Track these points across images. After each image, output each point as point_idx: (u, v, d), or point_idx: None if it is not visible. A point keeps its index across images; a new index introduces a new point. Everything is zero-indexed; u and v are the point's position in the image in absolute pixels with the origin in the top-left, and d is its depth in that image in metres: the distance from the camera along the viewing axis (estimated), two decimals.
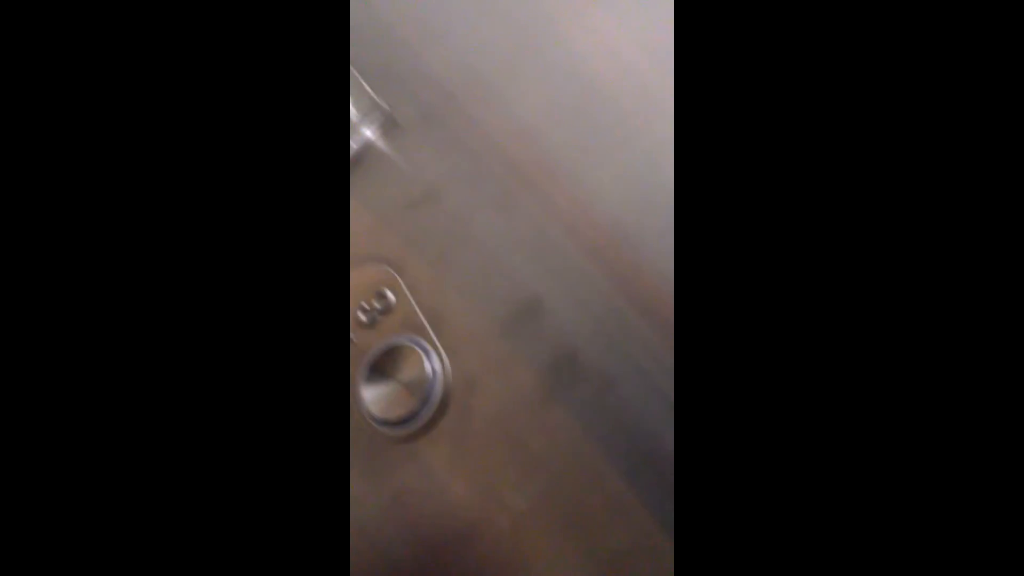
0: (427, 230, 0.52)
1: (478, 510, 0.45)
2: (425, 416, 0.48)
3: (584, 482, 0.45)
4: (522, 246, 0.50)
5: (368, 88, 0.55)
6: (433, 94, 0.55)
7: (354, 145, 0.55)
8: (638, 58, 0.53)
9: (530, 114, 0.53)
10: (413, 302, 0.51)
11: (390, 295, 0.51)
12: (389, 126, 0.55)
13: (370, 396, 0.49)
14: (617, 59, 0.53)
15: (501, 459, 0.46)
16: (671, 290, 0.47)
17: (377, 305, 0.51)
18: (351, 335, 0.51)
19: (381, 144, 0.55)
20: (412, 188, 0.53)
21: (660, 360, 0.46)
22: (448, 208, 0.52)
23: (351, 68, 0.55)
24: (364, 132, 0.55)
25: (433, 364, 0.49)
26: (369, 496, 0.47)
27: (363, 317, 0.51)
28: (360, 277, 0.52)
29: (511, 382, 0.48)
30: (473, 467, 0.46)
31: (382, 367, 0.50)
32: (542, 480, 0.45)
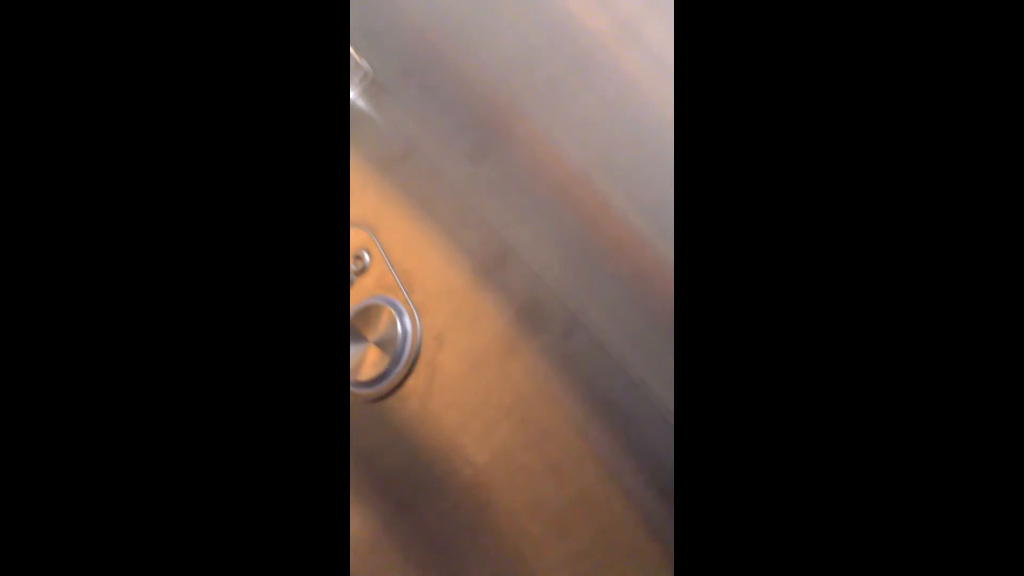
0: (403, 187, 0.51)
1: (443, 464, 0.44)
2: (395, 375, 0.47)
3: (544, 432, 0.42)
4: (492, 194, 0.48)
5: (351, 49, 0.54)
6: (413, 49, 0.53)
7: None
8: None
9: (502, 58, 0.51)
10: (388, 262, 0.50)
11: (367, 256, 0.51)
12: (370, 86, 0.54)
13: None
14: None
15: (465, 413, 0.45)
16: (637, 232, 0.44)
17: (354, 267, 0.51)
18: None
19: (362, 104, 0.54)
20: (390, 146, 0.52)
21: (623, 304, 0.43)
22: (423, 164, 0.51)
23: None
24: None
25: (405, 323, 0.48)
26: None
27: None
28: None
29: (478, 335, 0.46)
30: (439, 423, 0.45)
31: (357, 328, 0.49)
32: (504, 431, 0.43)
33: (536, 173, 0.47)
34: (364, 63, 0.54)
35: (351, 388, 0.48)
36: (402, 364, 0.47)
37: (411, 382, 0.46)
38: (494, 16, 0.51)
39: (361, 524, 0.46)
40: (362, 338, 0.49)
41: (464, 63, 0.52)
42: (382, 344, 0.48)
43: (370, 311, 0.49)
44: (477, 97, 0.51)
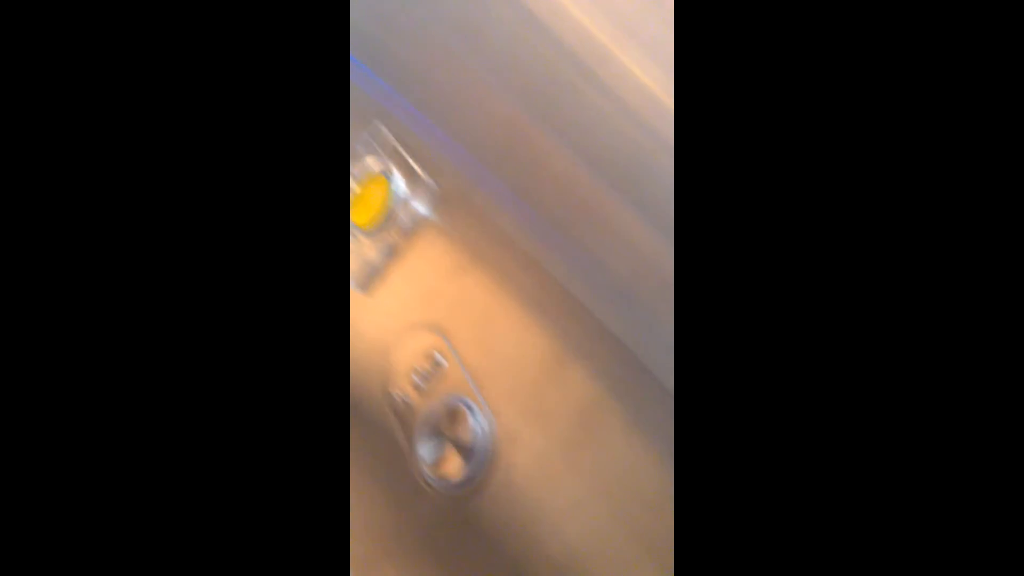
0: (472, 292, 0.55)
1: (520, 557, 0.47)
2: (471, 472, 0.50)
3: (615, 524, 0.45)
4: (553, 298, 0.52)
5: (415, 165, 0.59)
6: (472, 165, 0.58)
7: (405, 219, 0.59)
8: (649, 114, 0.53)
9: (559, 169, 0.55)
10: (461, 363, 0.54)
11: (440, 358, 0.54)
12: (436, 199, 0.59)
13: (425, 456, 0.52)
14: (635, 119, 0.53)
15: (538, 507, 0.47)
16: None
17: (429, 368, 0.55)
18: (407, 398, 0.55)
19: (429, 216, 0.59)
20: (458, 255, 0.56)
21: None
22: (490, 269, 0.55)
23: (399, 148, 0.60)
24: (414, 207, 0.59)
25: (479, 421, 0.51)
26: (422, 551, 0.50)
27: (417, 380, 0.55)
28: (413, 343, 0.56)
29: (546, 432, 0.49)
30: (513, 516, 0.48)
31: (436, 427, 0.53)
32: (575, 525, 0.46)
33: (599, 274, 0.51)
34: (430, 180, 0.59)
35: (434, 485, 0.51)
36: (478, 461, 0.50)
37: (486, 477, 0.50)
38: (548, 136, 0.56)
39: None
40: (440, 436, 0.52)
41: (521, 178, 0.56)
42: (459, 442, 0.51)
43: (446, 410, 0.53)
44: (542, 205, 0.55)
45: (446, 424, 0.52)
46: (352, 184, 0.61)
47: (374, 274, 0.59)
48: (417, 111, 0.60)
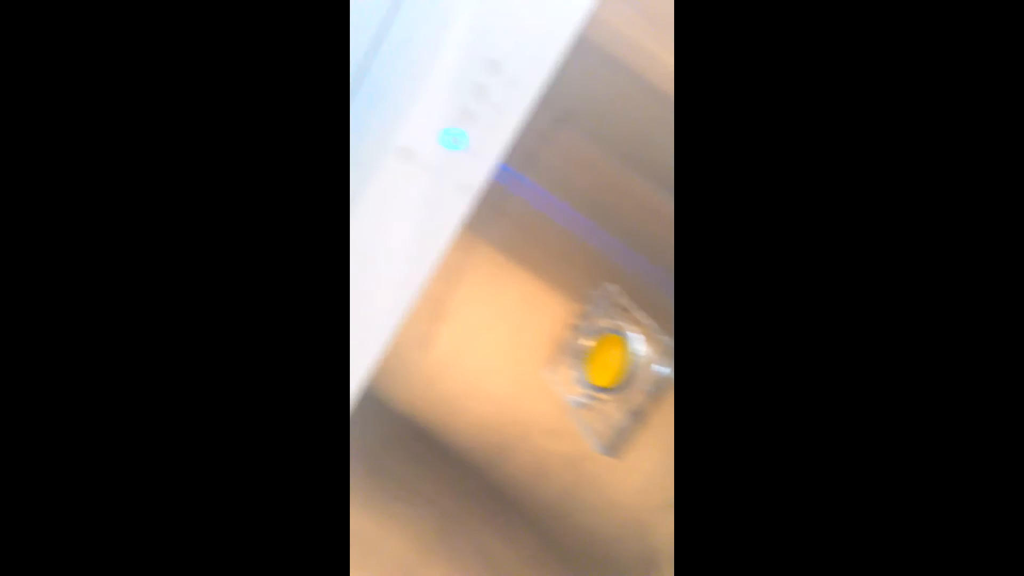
0: None
1: None
2: None
3: None
4: None
5: (651, 324, 0.56)
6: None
7: (647, 381, 0.55)
8: None
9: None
10: None
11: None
12: (671, 355, 0.54)
13: None
14: None
15: None
16: None
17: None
18: None
19: (672, 377, 0.54)
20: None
21: None
22: None
23: (632, 307, 0.57)
24: (655, 368, 0.55)
25: None
26: None
27: None
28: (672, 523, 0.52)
29: None
30: None
31: None
32: None
33: None
34: (668, 339, 0.54)
35: None
36: None
37: None
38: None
39: None
40: None
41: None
42: None
43: None
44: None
45: None
46: (587, 343, 0.59)
47: (620, 437, 0.56)
48: (650, 265, 0.56)
